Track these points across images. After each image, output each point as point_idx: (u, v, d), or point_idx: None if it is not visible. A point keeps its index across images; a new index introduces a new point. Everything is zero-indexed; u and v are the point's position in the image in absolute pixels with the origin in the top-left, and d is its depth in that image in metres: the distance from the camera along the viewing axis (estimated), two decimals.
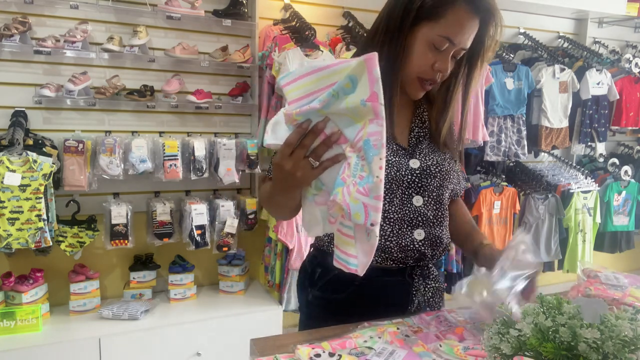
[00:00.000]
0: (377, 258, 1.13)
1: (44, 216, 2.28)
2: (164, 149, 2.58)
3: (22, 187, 2.23)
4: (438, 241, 1.19)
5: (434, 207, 1.18)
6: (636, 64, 3.67)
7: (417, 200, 1.15)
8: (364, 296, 1.16)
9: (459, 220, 1.34)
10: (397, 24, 1.08)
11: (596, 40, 3.83)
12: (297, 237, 2.65)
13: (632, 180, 3.71)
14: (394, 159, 1.13)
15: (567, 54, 3.63)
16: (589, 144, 3.64)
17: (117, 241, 2.54)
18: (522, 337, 0.72)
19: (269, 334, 1.14)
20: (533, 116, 3.38)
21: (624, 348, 0.68)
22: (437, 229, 1.19)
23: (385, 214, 1.13)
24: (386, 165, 1.05)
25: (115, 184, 2.64)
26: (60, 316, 2.50)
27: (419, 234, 1.16)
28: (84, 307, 2.54)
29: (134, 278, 2.69)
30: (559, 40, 3.74)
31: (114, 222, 2.52)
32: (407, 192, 1.14)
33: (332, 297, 1.20)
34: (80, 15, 2.53)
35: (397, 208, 1.14)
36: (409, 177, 1.14)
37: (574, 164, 3.72)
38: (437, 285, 1.23)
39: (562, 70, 3.36)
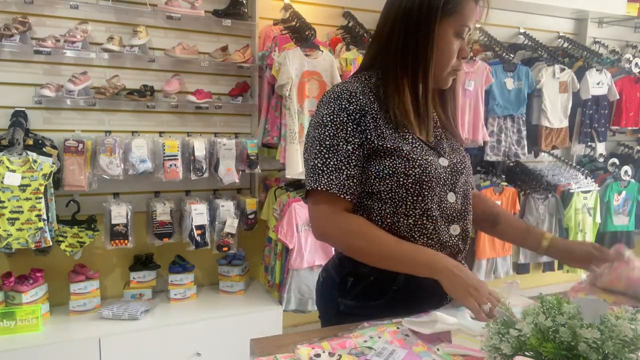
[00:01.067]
0: None
1: (44, 216, 2.28)
2: (164, 149, 2.58)
3: (22, 187, 2.23)
4: (468, 234, 1.24)
5: (464, 203, 1.22)
6: (636, 64, 3.67)
7: (451, 197, 1.18)
8: (402, 298, 1.16)
9: (489, 207, 1.42)
10: (421, 22, 1.11)
11: (596, 40, 3.83)
12: (297, 237, 2.65)
13: (632, 180, 3.70)
14: (430, 158, 1.16)
15: (567, 54, 3.63)
16: (589, 144, 3.64)
17: (117, 241, 2.54)
18: (522, 337, 0.72)
19: (269, 334, 1.14)
20: (533, 116, 3.38)
21: (624, 348, 0.68)
22: (468, 223, 1.23)
23: (428, 212, 1.15)
24: (427, 164, 1.14)
25: (115, 184, 2.64)
26: (60, 316, 2.50)
27: (455, 230, 1.19)
28: (84, 307, 2.54)
29: (134, 278, 2.69)
30: (559, 40, 3.74)
31: (114, 222, 2.52)
32: (443, 190, 1.17)
33: (368, 305, 1.18)
34: (80, 15, 2.53)
35: (436, 205, 1.16)
36: (444, 175, 1.16)
37: (574, 164, 3.72)
38: None
39: (562, 70, 3.36)
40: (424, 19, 1.11)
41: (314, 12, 3.00)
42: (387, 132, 1.13)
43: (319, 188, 1.11)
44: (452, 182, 1.18)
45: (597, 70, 3.46)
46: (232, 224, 2.71)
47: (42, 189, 2.26)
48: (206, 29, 2.81)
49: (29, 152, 2.26)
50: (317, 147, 1.13)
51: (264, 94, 2.81)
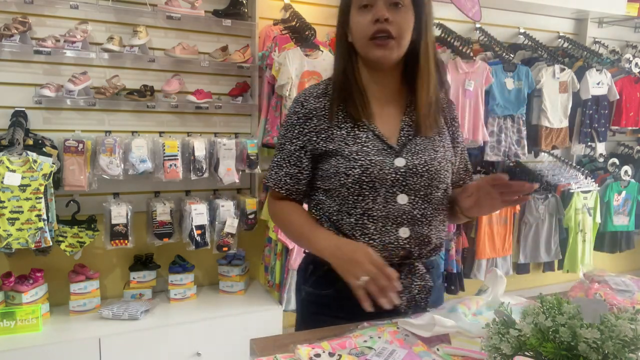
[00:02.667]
0: None
1: (44, 216, 2.28)
2: (164, 149, 2.58)
3: (22, 187, 2.23)
4: (425, 240, 1.21)
5: (422, 206, 1.19)
6: (636, 64, 3.67)
7: (402, 199, 1.17)
8: (351, 291, 1.14)
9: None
10: (341, 26, 1.24)
11: (596, 40, 3.83)
12: None
13: (632, 180, 3.71)
14: (378, 158, 1.17)
15: (567, 54, 3.63)
16: (589, 144, 3.64)
17: (117, 241, 2.54)
18: (522, 337, 0.72)
19: (269, 334, 1.14)
20: (533, 116, 3.38)
21: (624, 348, 0.68)
22: (425, 227, 1.20)
23: (369, 212, 1.17)
24: (369, 164, 1.16)
25: (115, 184, 2.64)
26: (60, 316, 2.50)
27: (404, 232, 1.18)
28: (84, 307, 2.54)
29: (134, 278, 2.69)
30: (559, 40, 3.74)
31: (114, 222, 2.52)
32: (391, 191, 1.17)
33: (322, 293, 1.24)
34: (80, 15, 2.53)
35: (380, 206, 1.17)
36: (393, 175, 1.16)
37: (574, 164, 3.72)
38: (423, 283, 1.22)
39: (562, 70, 3.36)
40: (343, 13, 1.23)
41: (314, 12, 3.00)
42: (339, 132, 1.20)
43: (266, 181, 1.30)
44: (404, 183, 1.17)
45: (597, 70, 3.46)
46: (232, 224, 2.71)
47: (42, 189, 2.26)
48: (206, 29, 2.81)
49: (29, 152, 2.26)
50: (276, 146, 1.29)
51: (264, 94, 2.81)
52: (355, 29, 1.18)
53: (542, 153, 3.66)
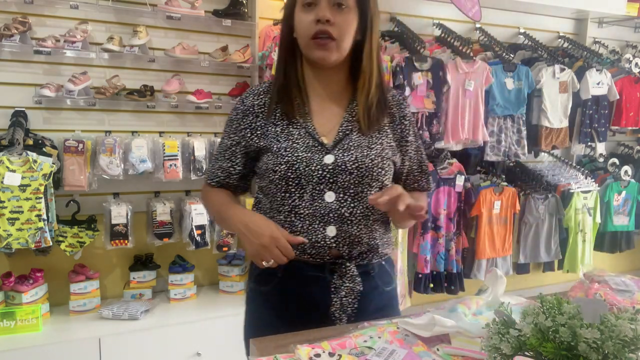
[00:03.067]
0: (294, 251, 1.14)
1: (44, 216, 2.28)
2: (164, 149, 2.58)
3: (22, 187, 2.23)
4: (355, 240, 1.19)
5: (351, 205, 1.17)
6: (636, 64, 3.67)
7: (330, 197, 1.16)
8: (288, 289, 1.20)
9: None
10: (286, 21, 1.22)
11: (596, 40, 3.83)
12: None
13: (632, 180, 3.70)
14: (306, 155, 1.17)
15: (567, 54, 3.63)
16: (589, 144, 3.64)
17: (117, 241, 2.54)
18: (522, 337, 0.72)
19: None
20: (533, 116, 3.38)
21: (624, 348, 0.68)
22: (354, 227, 1.18)
23: (296, 210, 1.17)
24: (296, 160, 1.17)
25: (115, 184, 2.64)
26: (60, 316, 2.50)
27: (331, 231, 1.17)
28: (84, 307, 2.54)
29: (134, 278, 2.69)
30: (559, 40, 3.74)
31: (114, 222, 2.52)
32: (317, 188, 1.16)
33: (262, 290, 1.27)
34: (80, 15, 2.53)
35: (307, 204, 1.16)
36: (320, 172, 1.16)
37: (574, 164, 3.72)
38: (352, 285, 1.19)
39: (562, 70, 3.35)
40: (286, 17, 1.22)
41: None
42: (274, 129, 1.21)
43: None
44: (332, 181, 1.16)
45: (597, 70, 3.46)
46: None
47: (42, 189, 2.26)
48: (206, 29, 2.81)
49: (29, 152, 2.26)
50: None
51: None
52: (298, 26, 1.18)
53: (542, 153, 3.66)
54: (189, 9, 2.64)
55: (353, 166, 1.17)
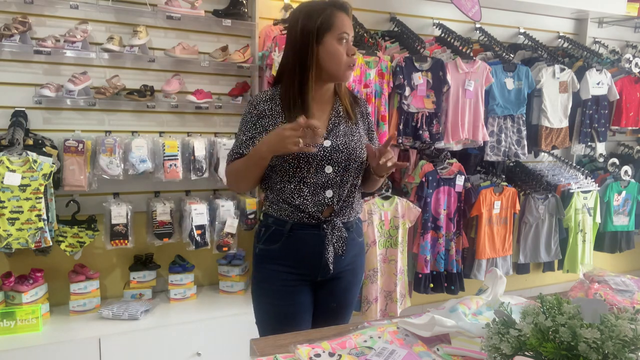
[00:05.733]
0: (297, 215, 1.56)
1: (44, 216, 2.28)
2: (164, 149, 2.58)
3: (22, 187, 2.23)
4: (344, 198, 1.62)
5: (341, 173, 1.59)
6: (636, 64, 3.67)
7: (329, 169, 1.57)
8: (291, 245, 1.59)
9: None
10: (303, 45, 1.54)
11: (596, 40, 3.83)
12: None
13: (632, 180, 3.70)
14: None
15: (567, 54, 3.63)
16: (589, 144, 3.64)
17: (117, 241, 2.54)
18: (522, 337, 0.72)
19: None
20: (533, 116, 3.38)
21: (624, 348, 0.68)
22: (342, 189, 1.61)
23: (304, 180, 1.56)
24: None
25: (115, 184, 2.64)
26: (60, 316, 2.50)
27: (329, 193, 1.59)
28: (84, 307, 2.54)
29: (134, 278, 2.69)
30: (559, 40, 3.74)
31: (114, 222, 2.52)
32: (320, 164, 1.56)
33: (270, 248, 1.61)
34: (80, 15, 2.53)
35: (313, 175, 1.56)
36: (322, 152, 1.55)
37: (574, 164, 3.72)
38: (339, 234, 1.60)
39: (562, 70, 3.35)
40: (305, 42, 1.54)
41: None
42: (283, 124, 1.51)
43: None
44: (330, 158, 1.56)
45: (597, 70, 3.46)
46: (232, 224, 2.71)
47: (42, 189, 2.26)
48: (206, 29, 2.81)
49: (29, 152, 2.26)
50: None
51: None
52: (336, 54, 1.55)
53: (542, 153, 3.66)
54: (189, 9, 2.64)
55: (343, 147, 1.59)
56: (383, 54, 2.90)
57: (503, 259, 3.30)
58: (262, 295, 1.64)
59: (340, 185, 1.60)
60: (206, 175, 2.69)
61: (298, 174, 1.55)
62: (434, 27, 3.29)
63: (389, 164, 1.53)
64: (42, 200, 2.27)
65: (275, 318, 1.61)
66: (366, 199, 2.81)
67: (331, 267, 1.60)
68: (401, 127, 2.89)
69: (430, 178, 2.97)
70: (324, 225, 1.58)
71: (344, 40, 1.55)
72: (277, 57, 2.66)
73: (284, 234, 1.59)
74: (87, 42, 2.53)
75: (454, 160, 3.07)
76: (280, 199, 1.59)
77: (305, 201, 1.56)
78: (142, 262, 2.74)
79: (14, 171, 2.21)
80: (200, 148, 2.64)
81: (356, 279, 1.73)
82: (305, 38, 1.53)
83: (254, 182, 1.63)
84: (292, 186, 1.57)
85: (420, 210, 2.94)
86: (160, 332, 2.45)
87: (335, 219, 1.60)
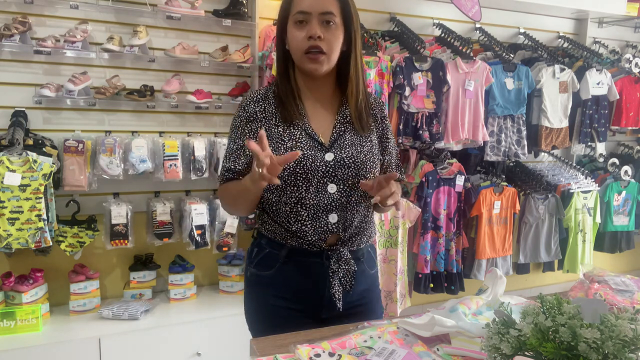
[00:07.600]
0: (295, 240, 1.32)
1: (44, 216, 2.28)
2: (164, 149, 2.58)
3: (22, 187, 2.23)
4: (352, 224, 1.35)
5: (349, 194, 1.33)
6: (636, 64, 3.67)
7: (332, 188, 1.31)
8: (288, 273, 1.34)
9: None
10: (278, 37, 1.36)
11: (596, 40, 3.83)
12: None
13: (632, 180, 3.70)
14: (310, 153, 1.31)
15: (567, 54, 3.63)
16: (589, 144, 3.64)
17: (117, 241, 2.54)
18: (522, 337, 0.72)
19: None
20: (533, 116, 3.38)
21: (624, 348, 0.68)
22: (349, 212, 1.34)
23: (302, 201, 1.30)
24: (302, 159, 1.29)
25: (115, 184, 2.64)
26: (60, 316, 2.50)
27: (333, 218, 1.32)
28: (84, 307, 2.54)
29: (134, 278, 2.69)
30: (559, 40, 3.74)
31: (114, 222, 2.52)
32: (322, 181, 1.31)
33: (263, 274, 1.39)
34: (80, 15, 2.53)
35: (312, 195, 1.30)
36: (323, 168, 1.30)
37: (574, 164, 3.72)
38: (347, 267, 1.35)
39: (562, 70, 3.35)
40: (277, 32, 1.37)
41: None
42: (276, 130, 1.33)
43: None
44: (333, 174, 1.31)
45: (597, 70, 3.46)
46: (232, 224, 2.71)
47: (42, 189, 2.26)
48: (206, 29, 2.81)
49: (29, 152, 2.26)
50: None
51: None
52: (292, 41, 1.32)
53: (542, 153, 3.66)
54: (189, 9, 2.64)
55: (350, 161, 1.32)
56: (383, 54, 2.90)
57: (503, 259, 3.30)
58: (256, 322, 1.45)
59: (346, 208, 1.33)
60: (206, 175, 2.69)
61: (295, 193, 1.30)
62: (434, 27, 3.29)
63: (389, 202, 1.23)
64: (42, 200, 2.27)
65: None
66: None
67: (339, 305, 1.33)
68: (401, 127, 2.89)
69: (430, 178, 2.97)
70: (329, 254, 1.33)
71: (302, 22, 1.28)
72: (275, 63, 2.66)
73: (279, 260, 1.35)
74: (87, 42, 2.53)
75: (454, 160, 3.07)
76: (276, 222, 1.35)
77: (303, 227, 1.31)
78: (142, 262, 2.74)
79: (14, 171, 2.21)
80: (200, 148, 2.64)
81: (375, 314, 1.44)
82: (277, 29, 1.37)
83: (250, 209, 1.40)
84: (287, 209, 1.32)
85: (420, 210, 2.94)
86: (160, 332, 2.45)
87: (341, 249, 1.34)
